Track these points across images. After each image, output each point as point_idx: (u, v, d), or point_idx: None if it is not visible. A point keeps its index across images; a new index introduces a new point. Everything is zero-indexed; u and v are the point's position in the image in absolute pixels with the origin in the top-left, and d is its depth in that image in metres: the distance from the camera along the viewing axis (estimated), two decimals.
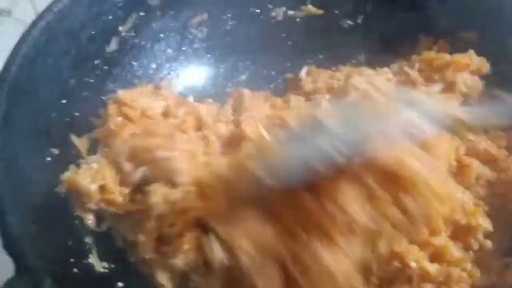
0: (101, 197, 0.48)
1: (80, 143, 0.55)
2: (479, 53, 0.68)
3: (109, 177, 0.49)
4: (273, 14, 0.75)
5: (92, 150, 0.57)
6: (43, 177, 0.48)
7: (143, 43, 0.70)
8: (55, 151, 0.52)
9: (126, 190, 0.48)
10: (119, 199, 0.48)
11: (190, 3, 0.73)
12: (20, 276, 0.35)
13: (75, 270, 0.43)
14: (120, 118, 0.56)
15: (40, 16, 0.56)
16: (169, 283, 0.45)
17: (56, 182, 0.49)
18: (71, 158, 0.54)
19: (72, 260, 0.44)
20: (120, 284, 0.45)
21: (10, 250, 0.36)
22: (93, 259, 0.46)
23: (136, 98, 0.59)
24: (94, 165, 0.49)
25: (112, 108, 0.57)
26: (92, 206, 0.48)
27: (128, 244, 0.48)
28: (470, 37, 0.73)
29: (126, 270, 0.48)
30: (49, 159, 0.51)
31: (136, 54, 0.70)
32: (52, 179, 0.49)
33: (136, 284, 0.47)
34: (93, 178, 0.48)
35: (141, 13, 0.69)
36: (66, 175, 0.48)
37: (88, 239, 0.48)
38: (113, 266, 0.47)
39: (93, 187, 0.48)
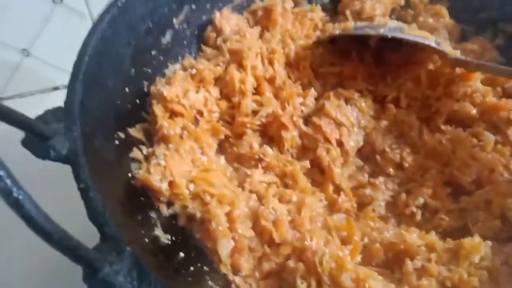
0: (170, 192, 0.54)
1: (136, 132, 0.60)
2: None
3: (176, 174, 0.54)
4: None
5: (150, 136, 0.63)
6: (116, 159, 0.54)
7: (194, 34, 0.76)
8: (121, 135, 0.58)
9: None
10: (186, 192, 0.54)
11: None
12: (105, 243, 0.41)
13: (146, 240, 0.49)
14: (167, 114, 0.61)
15: (107, 10, 0.60)
16: (227, 258, 0.51)
17: (126, 165, 0.55)
18: (135, 141, 0.60)
19: (142, 231, 0.50)
20: (181, 254, 0.51)
21: (95, 221, 0.42)
22: (158, 232, 0.52)
23: (180, 91, 0.62)
24: (162, 162, 0.54)
25: (158, 109, 0.61)
26: (164, 198, 0.54)
27: (194, 221, 0.54)
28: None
29: (185, 242, 0.54)
30: (117, 142, 0.56)
31: (188, 45, 0.75)
32: (122, 161, 0.54)
33: (195, 254, 0.53)
34: (162, 176, 0.53)
35: (193, 6, 0.74)
36: (140, 174, 0.54)
37: (153, 214, 0.54)
38: (174, 238, 0.53)
39: (164, 185, 0.53)
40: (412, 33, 0.64)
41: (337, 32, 0.69)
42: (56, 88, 1.03)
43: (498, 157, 0.62)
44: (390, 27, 0.66)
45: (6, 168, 0.29)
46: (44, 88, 1.03)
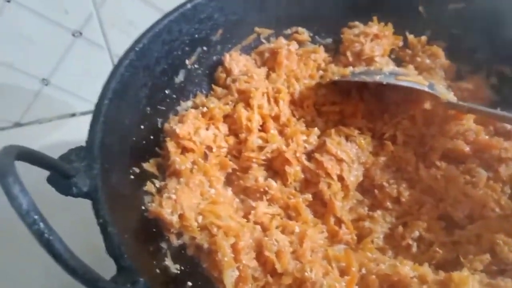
0: (180, 224, 0.58)
1: (150, 166, 0.65)
2: None
3: (186, 207, 0.58)
4: None
5: (162, 169, 0.68)
6: (130, 194, 0.59)
7: (205, 73, 0.81)
8: (136, 169, 0.63)
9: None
10: (194, 225, 0.58)
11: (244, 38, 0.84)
12: (120, 274, 0.45)
13: (157, 270, 0.53)
14: (179, 150, 0.66)
15: (125, 55, 0.66)
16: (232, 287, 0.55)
17: (140, 199, 0.59)
18: (148, 175, 0.65)
19: (154, 262, 0.54)
20: (189, 283, 0.55)
21: (112, 254, 0.46)
22: (168, 261, 0.56)
23: (192, 129, 0.67)
24: (173, 196, 0.59)
25: (171, 145, 0.66)
26: (175, 230, 0.58)
27: (202, 251, 0.58)
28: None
29: (193, 271, 0.58)
30: (132, 177, 0.61)
31: (199, 84, 0.81)
32: (137, 194, 0.59)
33: (202, 283, 0.57)
34: (173, 209, 0.58)
35: (205, 48, 0.80)
36: (153, 207, 0.58)
37: (163, 245, 0.58)
38: (182, 268, 0.57)
39: (174, 218, 0.58)
40: (406, 79, 0.68)
41: (336, 78, 0.75)
42: (73, 115, 1.09)
43: (490, 193, 0.65)
44: (385, 73, 0.71)
45: (39, 213, 0.34)
46: (61, 115, 1.08)
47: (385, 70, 0.72)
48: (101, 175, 0.53)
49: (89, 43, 1.00)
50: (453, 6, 0.80)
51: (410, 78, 0.68)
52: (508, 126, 0.69)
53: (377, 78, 0.70)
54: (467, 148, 0.69)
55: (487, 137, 0.69)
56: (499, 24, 0.75)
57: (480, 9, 0.77)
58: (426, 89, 0.68)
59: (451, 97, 0.70)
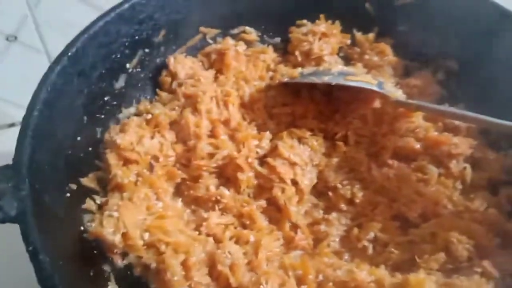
0: (124, 244, 0.54)
1: (89, 181, 0.60)
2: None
3: (129, 225, 0.54)
4: None
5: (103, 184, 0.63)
6: (66, 213, 0.53)
7: (148, 77, 0.77)
8: (73, 186, 0.58)
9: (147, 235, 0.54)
10: (140, 243, 0.54)
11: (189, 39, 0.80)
12: None
13: None
14: (121, 162, 0.61)
15: (57, 60, 0.60)
16: None
17: (78, 218, 0.54)
18: (87, 191, 0.60)
19: None
20: None
21: (44, 284, 0.41)
22: (112, 285, 0.52)
23: (134, 138, 0.63)
24: (115, 213, 0.54)
25: (111, 158, 0.61)
26: (119, 250, 0.54)
27: (150, 271, 0.54)
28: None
29: None
30: (68, 195, 0.56)
31: (142, 88, 0.76)
32: (74, 213, 0.54)
33: None
34: (115, 228, 0.53)
35: (147, 50, 0.75)
36: (93, 228, 0.54)
37: (106, 267, 0.53)
38: None
39: (117, 238, 0.53)
40: (355, 79, 0.67)
41: (285, 79, 0.73)
42: (12, 125, 1.01)
43: (442, 190, 0.66)
44: (334, 73, 0.69)
45: None
46: None
47: (333, 70, 0.71)
48: (31, 196, 0.48)
49: (25, 47, 0.94)
50: (401, 2, 0.80)
51: (358, 77, 0.67)
52: (457, 122, 0.69)
53: (326, 78, 0.68)
54: (417, 145, 0.69)
55: (436, 133, 0.70)
56: (446, 20, 0.76)
57: (427, 5, 0.77)
58: (375, 88, 0.67)
59: (399, 95, 0.70)
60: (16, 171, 0.49)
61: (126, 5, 0.69)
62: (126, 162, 0.62)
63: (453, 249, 0.58)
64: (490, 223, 0.61)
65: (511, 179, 0.68)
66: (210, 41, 0.82)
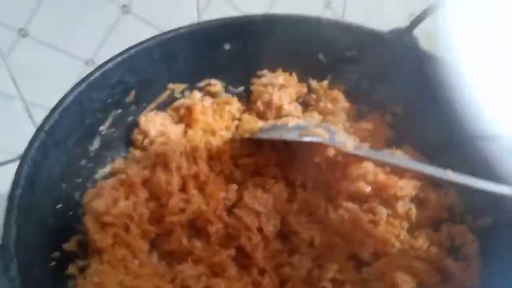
0: None
1: (71, 246, 0.65)
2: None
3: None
4: None
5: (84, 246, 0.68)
6: (53, 284, 0.59)
7: (121, 136, 0.82)
8: (57, 253, 0.63)
9: None
10: None
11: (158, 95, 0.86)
12: None
13: None
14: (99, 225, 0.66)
15: (35, 136, 0.65)
16: None
17: (63, 284, 0.60)
18: (70, 256, 0.65)
19: None
20: None
21: None
22: None
23: (110, 201, 0.68)
24: (96, 279, 0.60)
25: (89, 223, 0.66)
26: None
27: None
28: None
29: None
30: (53, 263, 0.62)
31: (116, 148, 0.82)
32: (61, 284, 0.60)
33: None
34: None
35: (119, 110, 0.80)
36: None
37: None
38: None
39: None
40: (308, 134, 0.74)
41: (246, 136, 0.80)
42: None
43: (391, 229, 0.74)
44: (289, 128, 0.77)
45: None
46: None
47: (290, 125, 0.78)
48: (20, 275, 0.53)
49: None
50: (348, 53, 0.88)
51: (312, 132, 0.75)
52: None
53: (283, 134, 0.75)
54: (368, 189, 0.77)
55: (384, 177, 0.78)
56: (385, 69, 0.84)
57: (369, 56, 0.85)
58: (327, 142, 0.75)
59: (350, 144, 0.77)
60: (5, 252, 0.54)
61: (97, 74, 0.75)
62: (104, 225, 0.68)
63: None
64: (431, 261, 0.70)
65: (451, 216, 0.77)
66: (179, 95, 0.89)
